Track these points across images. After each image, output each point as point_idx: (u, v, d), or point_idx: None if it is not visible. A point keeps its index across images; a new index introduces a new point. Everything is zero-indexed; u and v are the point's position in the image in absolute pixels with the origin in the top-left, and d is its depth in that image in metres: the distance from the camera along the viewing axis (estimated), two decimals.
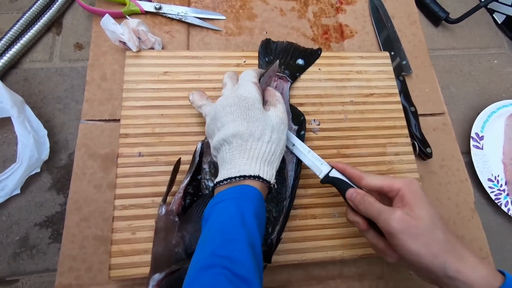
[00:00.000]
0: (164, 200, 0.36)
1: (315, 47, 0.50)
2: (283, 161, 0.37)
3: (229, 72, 0.38)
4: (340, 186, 0.35)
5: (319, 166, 0.36)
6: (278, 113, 0.33)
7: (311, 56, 0.49)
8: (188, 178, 0.36)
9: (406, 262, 0.30)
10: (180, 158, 0.38)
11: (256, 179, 0.29)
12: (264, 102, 0.35)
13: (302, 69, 0.48)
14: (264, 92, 0.36)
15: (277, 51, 0.48)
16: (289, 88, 0.45)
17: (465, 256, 0.28)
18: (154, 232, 0.35)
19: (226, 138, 0.31)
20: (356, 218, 0.33)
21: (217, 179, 0.30)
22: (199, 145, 0.38)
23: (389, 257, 0.31)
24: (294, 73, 0.46)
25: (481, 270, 0.27)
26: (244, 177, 0.29)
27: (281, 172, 0.36)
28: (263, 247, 0.34)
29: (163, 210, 0.35)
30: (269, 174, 0.30)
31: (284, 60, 0.47)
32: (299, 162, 0.39)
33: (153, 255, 0.33)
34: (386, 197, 0.33)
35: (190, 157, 0.39)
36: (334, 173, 0.35)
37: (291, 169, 0.38)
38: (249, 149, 0.30)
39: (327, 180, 0.36)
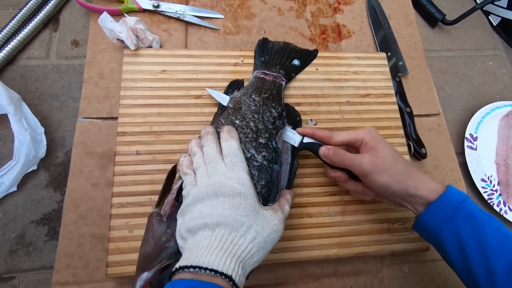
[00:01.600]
0: (157, 205, 0.35)
1: (313, 47, 0.51)
2: (276, 163, 0.37)
3: (206, 139, 0.34)
4: (314, 148, 0.39)
5: (292, 136, 0.40)
6: (275, 219, 0.31)
7: (307, 57, 0.49)
8: (182, 180, 0.34)
9: (380, 194, 0.37)
10: (175, 165, 0.37)
11: (227, 279, 0.25)
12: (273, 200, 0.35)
13: (298, 69, 0.48)
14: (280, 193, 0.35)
15: (274, 51, 0.48)
16: (284, 87, 0.45)
17: (420, 178, 0.35)
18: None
19: (208, 223, 0.28)
20: (336, 173, 0.39)
21: (182, 263, 0.26)
22: None
23: (368, 195, 0.38)
24: (290, 74, 0.47)
25: (431, 186, 0.35)
26: (216, 272, 0.25)
27: (273, 173, 0.36)
28: None
29: (154, 212, 0.34)
30: (241, 280, 0.27)
31: (280, 60, 0.47)
32: (293, 164, 0.39)
33: (140, 255, 0.32)
34: (352, 148, 0.39)
35: None
36: (307, 139, 0.40)
37: (285, 171, 0.38)
38: (229, 243, 0.27)
39: (302, 146, 0.40)
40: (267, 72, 0.45)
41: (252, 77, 0.45)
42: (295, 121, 0.43)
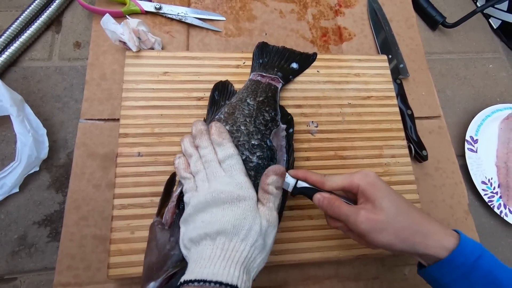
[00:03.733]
0: (158, 214, 0.35)
1: (314, 49, 0.51)
2: (272, 160, 0.36)
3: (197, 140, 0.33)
4: (309, 194, 0.34)
5: (286, 180, 0.34)
6: (267, 215, 0.30)
7: (306, 60, 0.49)
8: (181, 187, 0.34)
9: (384, 250, 0.33)
10: (172, 174, 0.37)
11: None
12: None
13: (296, 73, 0.48)
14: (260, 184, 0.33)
15: (272, 54, 0.48)
16: (280, 89, 0.45)
17: (430, 232, 0.31)
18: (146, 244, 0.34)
19: (209, 233, 0.28)
20: (337, 223, 0.34)
21: (187, 277, 0.26)
22: None
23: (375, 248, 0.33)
24: (287, 76, 0.47)
25: (444, 241, 0.30)
26: (221, 284, 0.25)
27: None
28: None
29: (155, 221, 0.34)
30: (247, 286, 0.26)
31: (278, 63, 0.47)
32: (289, 161, 0.39)
33: (145, 265, 0.32)
34: (351, 193, 0.34)
35: None
36: (301, 183, 0.34)
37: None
38: (231, 250, 0.27)
39: (297, 191, 0.34)
40: (264, 74, 0.45)
41: (248, 80, 0.45)
42: (286, 119, 0.43)
